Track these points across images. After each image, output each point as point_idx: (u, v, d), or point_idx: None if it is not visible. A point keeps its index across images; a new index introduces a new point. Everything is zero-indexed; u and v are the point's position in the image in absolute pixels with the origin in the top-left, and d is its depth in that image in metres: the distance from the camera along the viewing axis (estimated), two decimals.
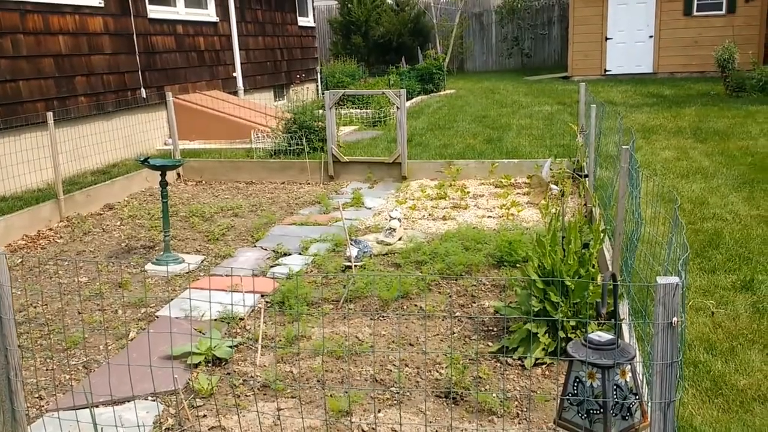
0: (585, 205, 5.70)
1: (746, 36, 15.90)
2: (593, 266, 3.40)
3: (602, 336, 1.89)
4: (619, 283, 2.75)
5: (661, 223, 5.37)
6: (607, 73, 17.57)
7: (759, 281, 4.11)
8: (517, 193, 6.57)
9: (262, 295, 4.29)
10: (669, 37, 16.86)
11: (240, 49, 11.88)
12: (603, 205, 5.10)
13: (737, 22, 16.15)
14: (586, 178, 5.71)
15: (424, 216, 6.03)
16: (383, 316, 3.94)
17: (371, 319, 3.91)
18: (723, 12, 16.34)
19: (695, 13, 16.58)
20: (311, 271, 4.73)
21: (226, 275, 4.45)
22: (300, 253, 5.09)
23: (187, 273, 4.80)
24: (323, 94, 8.01)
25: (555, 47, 22.13)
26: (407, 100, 14.03)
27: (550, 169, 6.82)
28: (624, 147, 3.35)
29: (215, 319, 3.96)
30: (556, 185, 4.06)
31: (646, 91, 14.08)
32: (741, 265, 4.40)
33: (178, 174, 7.94)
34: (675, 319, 1.59)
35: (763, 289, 4.01)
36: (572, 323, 3.32)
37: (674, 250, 2.48)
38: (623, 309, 3.43)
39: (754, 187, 6.23)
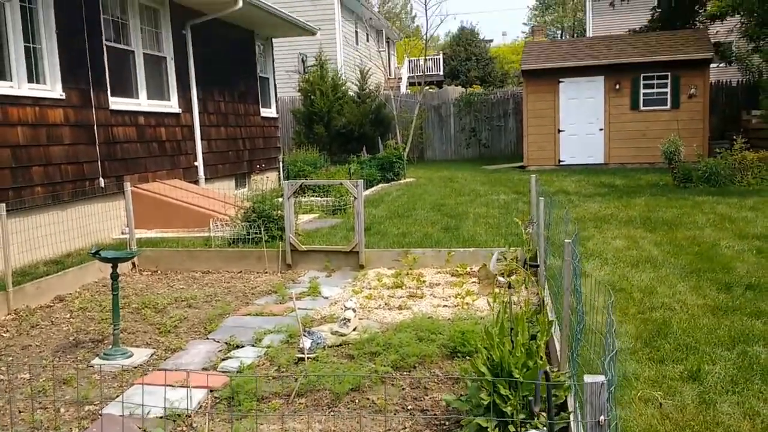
0: (537, 294, 5.78)
1: (691, 129, 16.75)
2: (541, 358, 3.43)
3: None
4: (565, 381, 2.78)
5: (612, 313, 5.47)
6: (561, 163, 18.20)
7: (705, 371, 4.18)
8: (473, 282, 6.64)
9: (211, 391, 4.19)
10: (618, 130, 17.65)
11: (202, 139, 12.04)
12: (554, 296, 5.18)
13: (682, 116, 17.03)
14: (537, 268, 5.83)
15: (380, 305, 6.04)
16: (334, 411, 3.88)
17: (322, 414, 3.85)
18: (668, 107, 17.25)
19: (642, 108, 17.46)
20: (263, 363, 4.66)
21: (175, 370, 4.35)
22: (253, 345, 5.02)
23: (135, 368, 4.68)
24: (283, 183, 8.14)
25: (511, 138, 22.93)
26: (368, 188, 14.29)
27: (504, 258, 6.96)
28: (567, 241, 3.46)
29: (161, 417, 3.85)
30: (504, 276, 4.12)
31: (598, 181, 14.58)
32: (688, 354, 4.48)
33: (134, 264, 7.85)
34: (602, 417, 1.62)
35: (709, 379, 4.07)
36: (522, 416, 3.31)
37: (610, 346, 2.53)
38: (570, 402, 3.44)
39: (701, 277, 6.42)
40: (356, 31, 28.11)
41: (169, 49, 11.33)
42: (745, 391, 3.91)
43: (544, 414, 3.19)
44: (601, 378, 1.62)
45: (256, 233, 8.30)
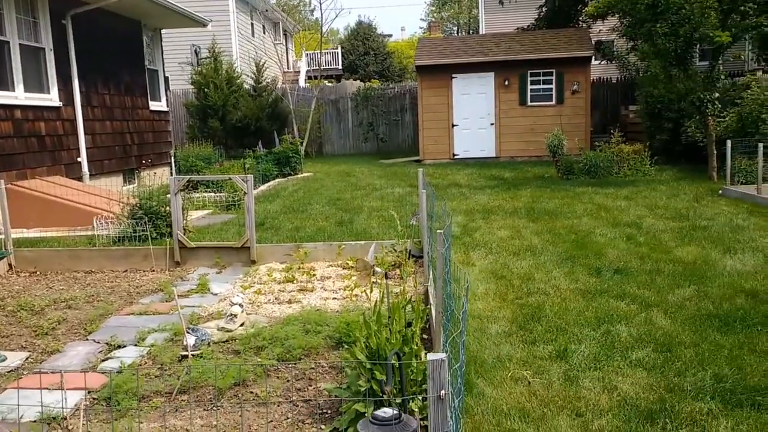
0: (423, 284, 5.97)
1: (574, 124, 17.63)
2: (416, 344, 3.58)
3: (387, 412, 2.02)
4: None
5: (491, 299, 5.74)
6: (455, 157, 18.70)
7: (572, 350, 4.47)
8: (358, 274, 6.76)
9: (89, 392, 4.08)
10: (508, 124, 18.33)
11: (85, 134, 11.54)
12: (435, 284, 5.37)
13: (566, 111, 17.90)
14: (421, 258, 6.01)
15: (269, 300, 6.04)
16: (217, 406, 3.88)
17: (204, 409, 3.84)
18: (553, 102, 18.07)
19: (530, 104, 18.21)
20: (146, 363, 4.58)
21: (51, 372, 4.21)
22: (136, 345, 4.91)
23: (9, 372, 4.48)
24: (170, 178, 7.95)
25: (408, 132, 23.32)
26: (264, 183, 14.17)
27: (394, 250, 7.13)
28: (438, 231, 3.61)
29: (35, 421, 3.72)
30: (381, 267, 4.25)
31: (489, 174, 15.11)
32: (558, 335, 4.77)
33: (10, 265, 7.46)
34: (443, 392, 1.74)
35: (575, 357, 4.36)
36: (398, 400, 3.44)
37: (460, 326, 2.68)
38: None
39: (575, 263, 6.82)
40: (252, 23, 27.68)
41: (48, 40, 10.78)
42: (605, 367, 4.22)
43: (418, 397, 3.34)
44: (442, 356, 1.74)
45: (143, 231, 8.08)
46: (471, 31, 51.52)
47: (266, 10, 28.46)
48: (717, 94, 12.79)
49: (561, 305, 5.44)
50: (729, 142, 11.20)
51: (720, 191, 10.90)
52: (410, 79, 35.00)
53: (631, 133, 17.82)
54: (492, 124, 18.50)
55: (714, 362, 4.17)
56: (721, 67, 13.49)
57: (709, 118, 12.72)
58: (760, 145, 10.21)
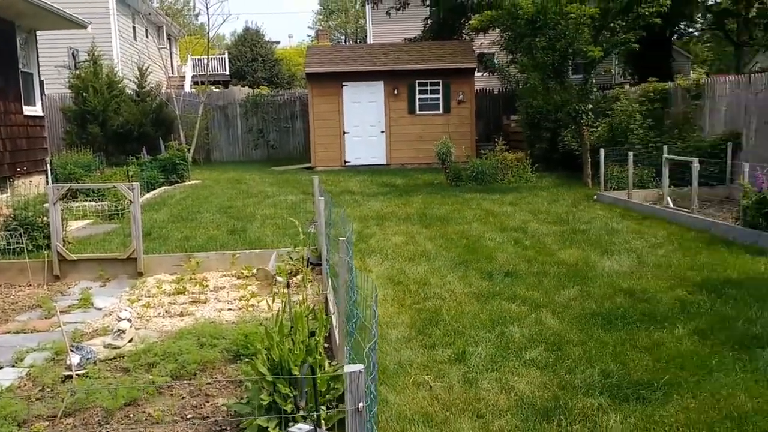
0: (323, 292, 5.93)
1: (461, 132, 18.18)
2: (320, 354, 3.54)
3: (302, 428, 1.98)
4: (334, 373, 2.90)
5: (390, 305, 5.79)
6: (347, 164, 18.77)
7: (470, 353, 4.58)
8: (258, 284, 6.63)
9: None
10: (398, 132, 18.63)
11: None
12: (335, 292, 5.35)
13: (453, 120, 18.43)
14: (320, 266, 5.98)
15: (159, 313, 5.79)
16: (106, 428, 3.66)
17: None
18: (441, 112, 18.56)
19: (419, 112, 18.61)
20: (25, 385, 4.25)
21: None
22: (13, 366, 4.56)
23: None
24: (48, 187, 7.45)
25: (299, 139, 23.16)
26: (149, 191, 13.60)
27: (290, 258, 7.04)
28: (341, 239, 3.60)
29: None
30: (283, 277, 4.18)
31: (381, 181, 15.27)
32: (456, 339, 4.88)
33: None
34: (361, 404, 1.72)
35: (473, 360, 4.48)
36: (302, 413, 3.39)
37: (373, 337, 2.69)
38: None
39: (468, 267, 7.01)
40: (134, 27, 26.57)
41: None
42: (502, 368, 4.36)
43: (324, 408, 3.30)
44: (359, 367, 1.72)
45: (18, 243, 7.53)
46: (358, 41, 52.01)
47: (149, 14, 27.41)
48: (590, 106, 13.60)
49: (457, 309, 5.57)
50: (602, 151, 11.93)
51: (595, 197, 11.57)
52: (300, 87, 34.80)
53: (514, 142, 18.58)
54: (382, 131, 18.73)
55: (600, 359, 4.41)
56: (594, 81, 14.35)
57: (584, 128, 13.49)
58: (630, 153, 10.94)
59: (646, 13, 12.16)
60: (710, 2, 25.23)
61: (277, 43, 45.28)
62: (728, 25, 26.65)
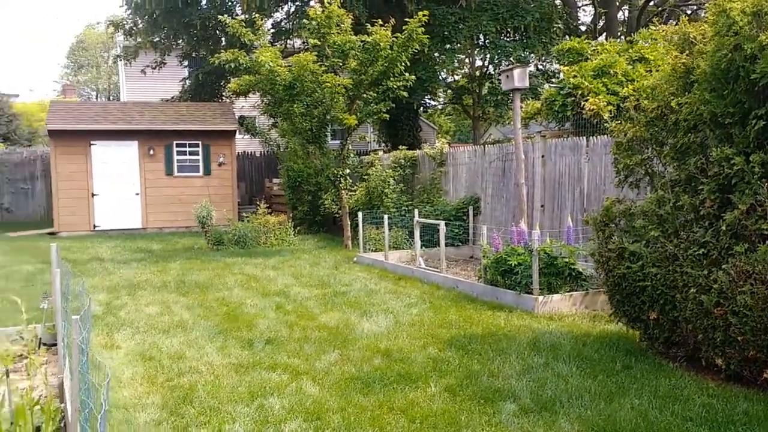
0: (57, 375, 5.25)
1: (222, 195, 17.87)
2: None
3: None
4: None
5: (139, 385, 5.31)
6: (96, 228, 17.39)
7: (226, 431, 4.31)
8: None
9: None
10: (155, 194, 17.77)
11: None
12: (71, 377, 4.76)
13: (213, 182, 18.07)
14: (56, 346, 5.31)
15: None
16: None
17: None
18: (201, 173, 18.13)
19: (177, 174, 17.97)
20: None
21: None
22: None
23: None
24: None
25: (40, 202, 21.05)
26: None
27: (21, 338, 6.17)
28: (74, 317, 3.20)
29: None
30: (15, 359, 3.61)
31: (135, 246, 14.32)
32: (212, 417, 4.57)
33: None
34: None
35: None
36: None
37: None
38: None
39: (228, 336, 6.72)
40: None
41: None
42: None
43: None
44: None
45: None
46: (111, 98, 49.36)
47: None
48: (348, 170, 14.19)
49: (214, 383, 5.26)
50: (360, 214, 12.44)
51: (355, 258, 11.96)
52: (43, 144, 31.80)
53: (276, 204, 18.69)
54: (137, 194, 17.70)
55: (359, 425, 4.41)
56: (351, 146, 15.04)
57: (342, 191, 14.01)
58: (386, 216, 11.54)
59: (394, 86, 13.10)
60: (450, 80, 28.18)
61: (16, 96, 41.22)
62: (465, 100, 29.93)
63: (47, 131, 17.44)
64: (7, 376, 3.46)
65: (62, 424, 4.01)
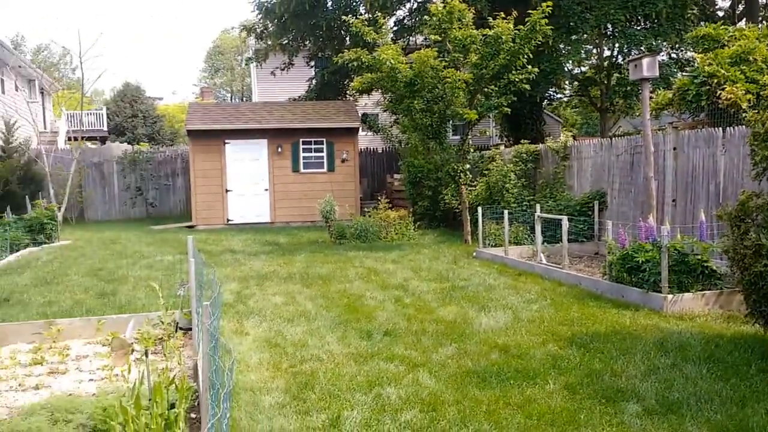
0: (192, 358, 5.65)
1: (345, 191, 18.34)
2: (179, 428, 3.32)
3: None
4: None
5: (265, 369, 5.59)
6: (229, 222, 18.39)
7: (344, 417, 4.47)
8: (114, 355, 6.21)
9: None
10: (282, 190, 18.54)
11: None
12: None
13: (336, 178, 18.58)
14: (191, 330, 5.71)
15: (12, 387, 5.29)
16: None
17: None
18: (325, 170, 18.69)
19: (303, 170, 18.65)
20: None
21: None
22: None
23: None
24: None
25: (180, 197, 22.53)
26: (12, 252, 12.65)
27: (161, 322, 6.69)
28: (205, 303, 3.44)
29: None
30: (141, 344, 3.94)
31: (264, 239, 15.02)
32: (331, 403, 4.75)
33: None
34: None
35: (347, 424, 4.36)
36: None
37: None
38: None
39: (348, 326, 6.94)
40: (2, 79, 25.16)
41: None
42: None
43: None
44: None
45: None
46: (244, 99, 51.88)
47: (19, 66, 26.09)
48: (468, 165, 14.13)
49: (334, 371, 5.46)
50: (480, 209, 12.36)
51: (474, 253, 11.90)
52: (183, 143, 34.06)
53: (397, 200, 18.94)
54: (266, 189, 18.56)
55: (474, 418, 4.42)
56: (471, 141, 14.96)
57: (463, 186, 13.98)
58: (506, 212, 11.40)
59: (516, 79, 12.89)
60: (576, 71, 27.27)
61: (160, 99, 44.33)
62: (592, 92, 28.85)
63: (186, 131, 18.66)
64: (147, 357, 3.78)
65: (196, 403, 4.32)
